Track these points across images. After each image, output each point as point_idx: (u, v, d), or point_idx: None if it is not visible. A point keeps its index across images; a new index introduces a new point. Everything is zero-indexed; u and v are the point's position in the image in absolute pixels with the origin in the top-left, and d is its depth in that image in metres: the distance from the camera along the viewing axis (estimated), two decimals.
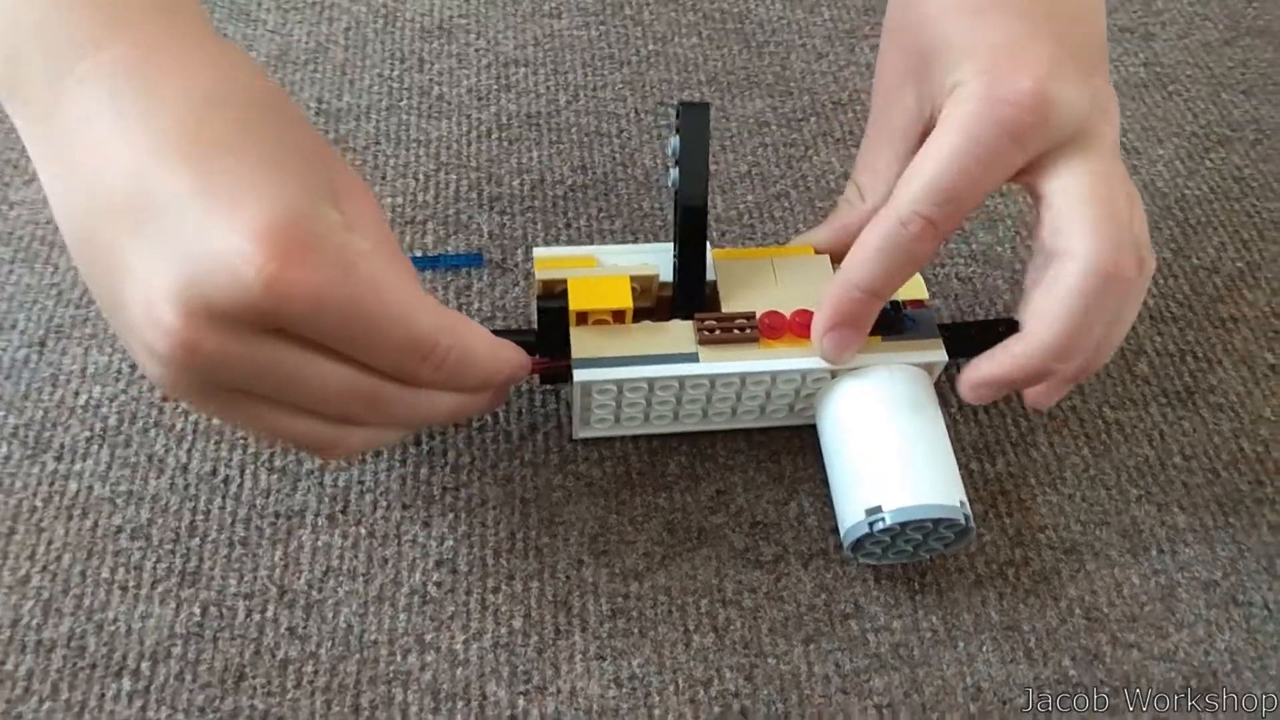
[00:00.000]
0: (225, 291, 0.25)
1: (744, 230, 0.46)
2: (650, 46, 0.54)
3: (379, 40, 0.54)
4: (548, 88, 0.52)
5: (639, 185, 0.48)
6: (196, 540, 0.37)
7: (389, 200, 0.47)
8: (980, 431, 0.40)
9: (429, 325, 0.29)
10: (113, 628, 0.35)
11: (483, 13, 0.56)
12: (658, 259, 0.37)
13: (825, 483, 0.38)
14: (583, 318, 0.36)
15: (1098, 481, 0.39)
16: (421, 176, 0.48)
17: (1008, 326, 0.38)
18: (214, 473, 0.38)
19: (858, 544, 0.35)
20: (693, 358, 0.36)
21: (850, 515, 0.35)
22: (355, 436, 0.31)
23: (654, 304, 0.38)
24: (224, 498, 0.38)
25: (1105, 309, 0.32)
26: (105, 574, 0.36)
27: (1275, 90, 0.54)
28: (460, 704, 0.33)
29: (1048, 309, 0.32)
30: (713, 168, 0.49)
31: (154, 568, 0.36)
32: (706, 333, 0.36)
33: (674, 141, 0.36)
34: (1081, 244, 0.32)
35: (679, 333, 0.36)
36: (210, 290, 0.25)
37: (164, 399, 0.40)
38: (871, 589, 0.36)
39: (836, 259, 0.38)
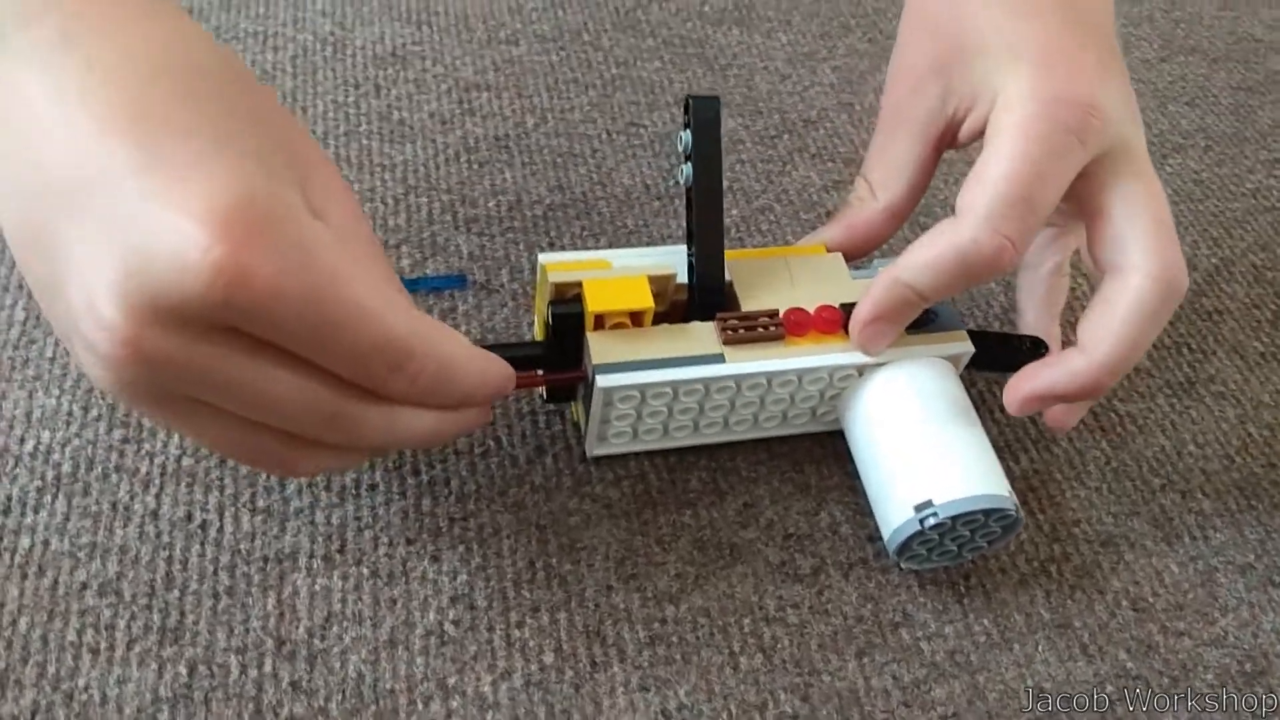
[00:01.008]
0: (170, 282, 0.22)
1: (732, 243, 0.45)
2: (613, 70, 0.53)
3: (329, 68, 0.51)
4: (514, 110, 0.50)
5: (619, 204, 0.46)
6: (175, 593, 0.32)
7: None
8: (1000, 430, 0.39)
9: (403, 329, 0.26)
10: (84, 696, 0.30)
11: (437, 40, 0.54)
12: (670, 261, 0.36)
13: (854, 489, 0.37)
14: (599, 322, 0.34)
15: (1121, 473, 0.38)
16: (390, 200, 0.45)
17: (1033, 344, 0.37)
18: (189, 518, 0.34)
19: (904, 545, 0.33)
20: (718, 358, 0.34)
21: (896, 514, 0.33)
22: (313, 458, 0.28)
23: (668, 308, 0.36)
24: (203, 544, 0.34)
25: (1162, 322, 0.32)
26: (71, 637, 0.31)
27: (1215, 102, 0.56)
28: None
29: (1112, 324, 0.32)
30: None
31: (128, 626, 0.32)
32: (730, 332, 0.34)
33: (684, 136, 0.34)
34: (1145, 258, 0.31)
35: (701, 334, 0.34)
36: (154, 281, 0.22)
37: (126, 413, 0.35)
38: (918, 595, 0.34)
39: (847, 255, 0.37)
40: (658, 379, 0.33)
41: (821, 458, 0.38)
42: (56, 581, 0.32)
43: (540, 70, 0.53)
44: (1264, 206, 0.50)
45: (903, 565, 0.35)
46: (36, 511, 0.34)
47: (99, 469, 0.35)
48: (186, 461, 0.36)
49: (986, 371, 0.39)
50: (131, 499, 0.34)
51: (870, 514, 0.36)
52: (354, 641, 0.32)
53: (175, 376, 0.24)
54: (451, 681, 0.31)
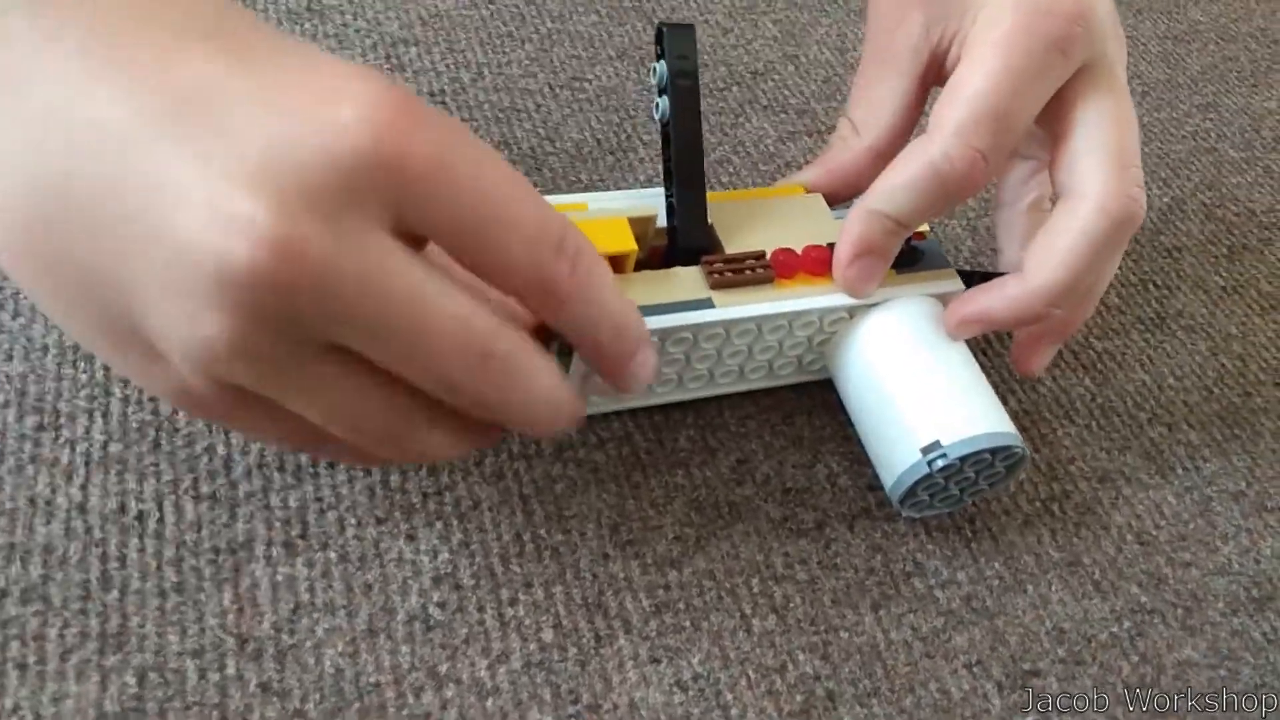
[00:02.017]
0: (325, 155, 0.19)
1: None
2: (549, 24, 0.51)
3: None
4: (447, 66, 0.47)
5: (570, 159, 0.44)
6: (114, 594, 0.28)
7: None
8: (985, 373, 0.38)
9: (554, 213, 0.23)
10: (15, 719, 0.26)
11: None
12: (649, 203, 0.33)
13: (848, 439, 0.35)
14: None
15: (1108, 409, 0.38)
16: None
17: None
18: (122, 509, 0.30)
19: (910, 491, 0.31)
20: (707, 304, 0.31)
21: (901, 459, 0.31)
22: (439, 435, 0.24)
23: (646, 255, 0.33)
24: (141, 538, 0.30)
25: (1112, 253, 0.31)
26: None
27: (1145, 50, 0.56)
28: None
29: (1054, 250, 0.31)
30: (649, 135, 0.45)
31: (60, 635, 0.27)
32: (717, 275, 0.32)
33: (658, 68, 0.32)
34: (1097, 186, 0.30)
35: (686, 279, 0.32)
36: (305, 157, 0.19)
37: (175, 409, 0.30)
38: (925, 543, 0.33)
39: (830, 199, 0.35)
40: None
41: (811, 408, 0.36)
42: None
43: (471, 25, 0.50)
44: (1204, 148, 0.50)
45: (905, 513, 0.33)
46: None
47: (10, 461, 0.31)
48: (114, 448, 0.31)
49: None
50: (53, 492, 0.30)
51: (868, 463, 0.34)
52: (328, 634, 0.28)
53: (334, 293, 0.20)
54: (443, 669, 0.28)
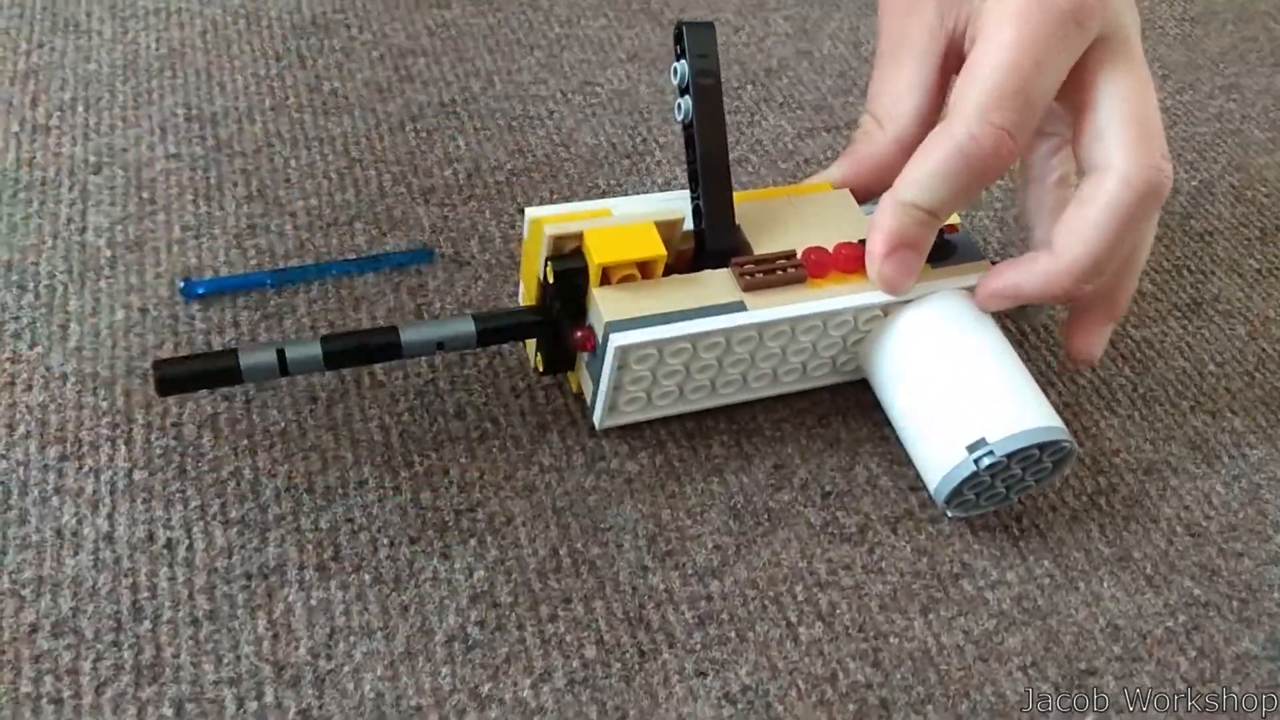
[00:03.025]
0: None
1: None
2: (557, 30, 0.50)
3: (244, 41, 0.47)
4: (456, 75, 0.46)
5: (586, 164, 0.43)
6: (146, 624, 0.28)
7: (300, 204, 0.39)
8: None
9: None
10: None
11: (360, 6, 0.49)
12: (674, 206, 0.32)
13: (886, 440, 0.34)
14: (606, 276, 0.30)
15: (1150, 399, 0.37)
16: (334, 175, 0.41)
17: None
18: (150, 538, 0.29)
19: (956, 491, 0.30)
20: (739, 306, 0.31)
21: (945, 459, 0.30)
22: None
23: (674, 259, 0.33)
24: (171, 566, 0.29)
25: (1140, 226, 0.30)
26: (26, 688, 0.26)
27: (1164, 33, 0.55)
28: None
29: (1083, 227, 0.30)
30: (664, 138, 0.45)
31: (94, 668, 0.27)
32: (749, 277, 0.31)
33: (679, 68, 0.31)
34: (1122, 158, 0.30)
35: (717, 282, 0.31)
36: None
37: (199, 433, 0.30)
38: (972, 544, 0.32)
39: (858, 195, 0.35)
40: (676, 333, 0.30)
41: (846, 409, 0.35)
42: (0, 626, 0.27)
43: (478, 33, 0.49)
44: (1229, 130, 0.49)
45: (950, 513, 0.32)
46: None
47: (34, 493, 0.30)
48: (139, 475, 0.31)
49: None
50: (79, 523, 0.29)
51: (908, 463, 0.34)
52: (366, 657, 0.28)
53: None
54: (485, 689, 0.27)
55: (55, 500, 0.30)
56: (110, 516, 0.30)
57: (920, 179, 0.30)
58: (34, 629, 0.27)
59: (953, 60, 0.33)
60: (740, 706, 0.28)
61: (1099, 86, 0.30)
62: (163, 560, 0.29)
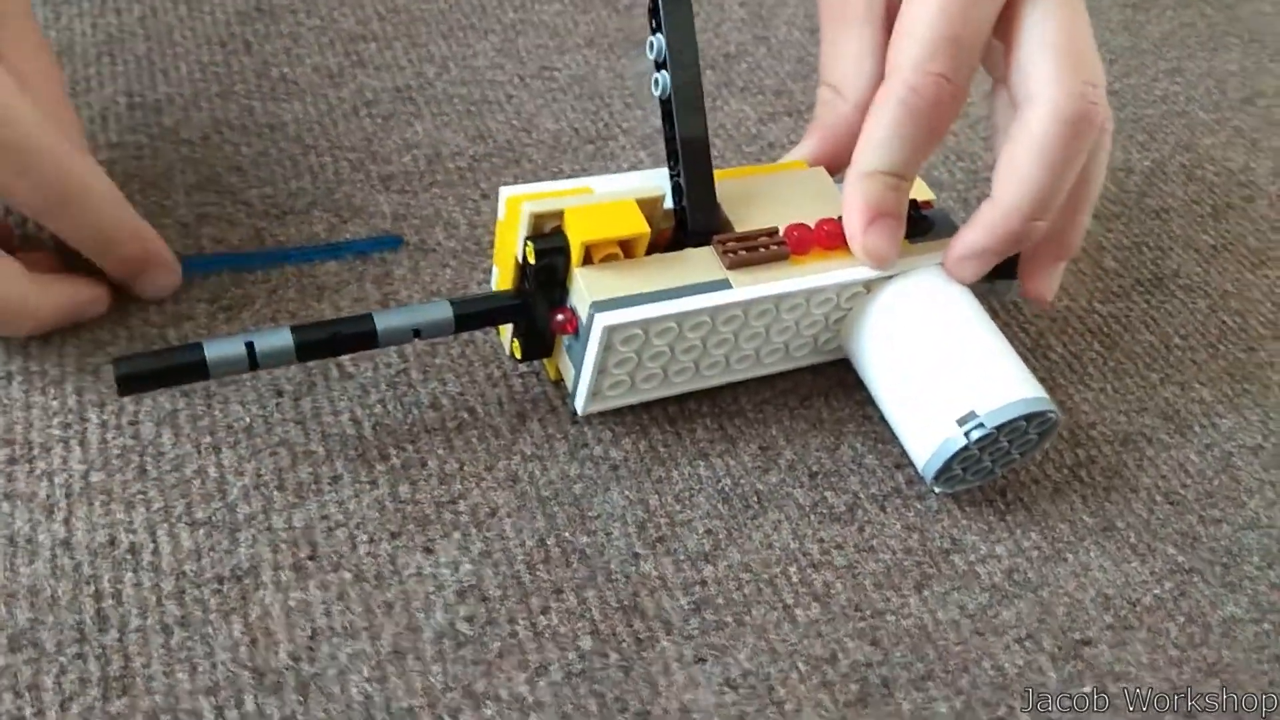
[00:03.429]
0: None
1: None
2: (511, 15, 0.49)
3: (186, 27, 0.45)
4: (410, 60, 0.45)
5: (549, 150, 0.42)
6: (113, 634, 0.26)
7: (254, 191, 0.38)
8: None
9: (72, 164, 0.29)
10: None
11: None
12: (654, 184, 0.32)
13: (869, 418, 0.34)
14: (588, 255, 0.29)
15: (1120, 372, 0.37)
16: (288, 162, 0.39)
17: None
18: (112, 542, 0.28)
19: (945, 466, 0.30)
20: (724, 284, 0.30)
21: (934, 433, 0.30)
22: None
23: (654, 239, 0.32)
24: (136, 571, 0.27)
25: (1075, 155, 0.30)
26: None
27: (1107, 19, 0.57)
28: None
29: (1015, 161, 0.30)
30: (628, 123, 0.44)
31: (57, 683, 0.25)
32: (732, 255, 0.30)
33: (656, 41, 0.31)
34: (1047, 87, 0.30)
35: (700, 260, 0.31)
36: None
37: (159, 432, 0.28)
38: (960, 519, 0.32)
39: (831, 168, 0.34)
40: (662, 312, 0.29)
41: (828, 389, 0.35)
42: None
43: (430, 18, 0.48)
44: (1175, 111, 0.51)
45: (938, 490, 0.32)
46: None
47: None
48: (96, 477, 0.29)
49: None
50: (34, 529, 0.28)
51: (892, 442, 0.33)
52: (351, 659, 0.26)
53: None
54: (479, 687, 0.26)
55: (5, 506, 0.28)
56: (67, 521, 0.28)
57: (876, 145, 0.30)
58: None
59: (894, 19, 0.33)
60: (742, 691, 0.27)
61: (1024, 20, 0.31)
62: (126, 565, 0.27)
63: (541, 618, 0.28)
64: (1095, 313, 0.39)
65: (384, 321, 0.29)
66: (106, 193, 0.30)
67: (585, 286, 0.29)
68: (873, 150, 0.30)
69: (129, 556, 0.27)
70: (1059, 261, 0.34)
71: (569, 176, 0.41)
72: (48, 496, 0.28)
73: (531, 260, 0.29)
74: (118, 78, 0.41)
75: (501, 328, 0.34)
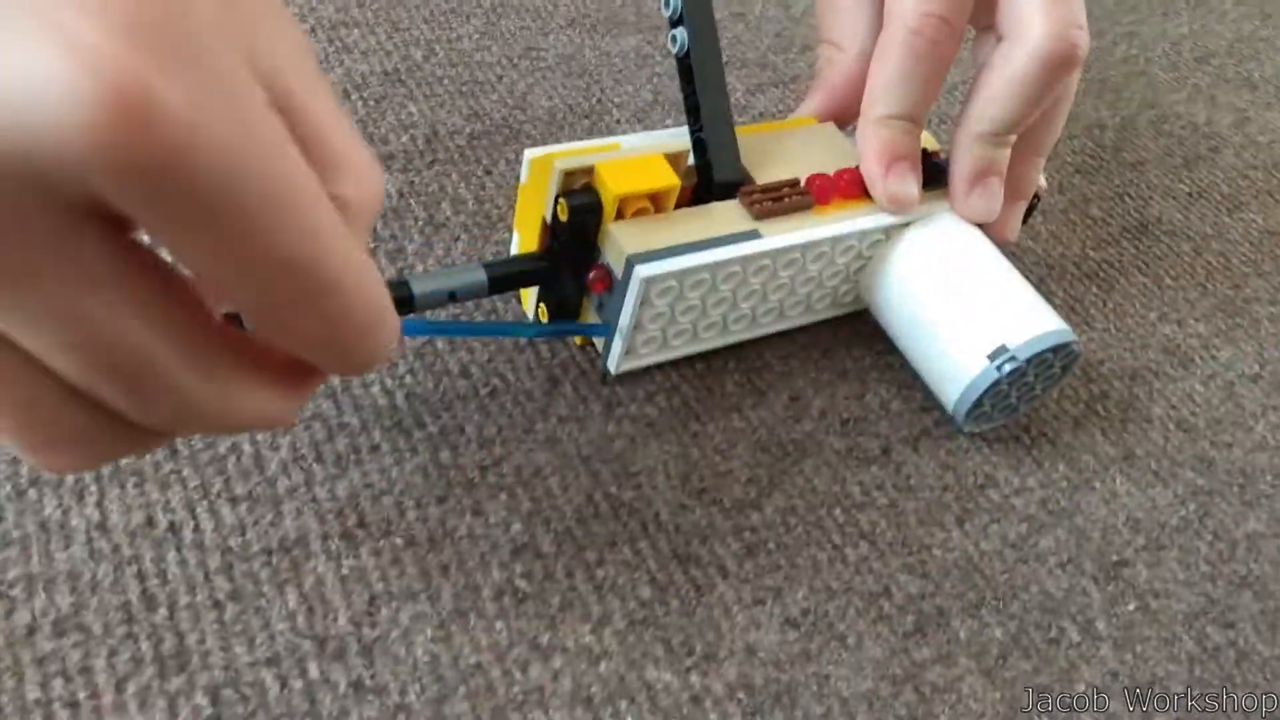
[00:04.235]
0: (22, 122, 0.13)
1: None
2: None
3: None
4: (395, 45, 0.45)
5: (546, 126, 0.42)
6: (162, 613, 0.25)
7: None
8: None
9: (341, 250, 0.16)
10: None
11: None
12: (676, 141, 0.32)
13: (890, 366, 0.35)
14: (620, 210, 0.30)
15: (1120, 312, 0.39)
16: None
17: None
18: (150, 522, 0.27)
19: (977, 402, 0.31)
20: (754, 234, 0.30)
21: (965, 370, 0.31)
22: (88, 441, 0.18)
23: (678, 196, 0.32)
24: (179, 549, 0.26)
25: (1048, 93, 0.32)
26: (34, 693, 0.23)
27: None
28: (624, 704, 0.25)
29: (991, 89, 0.31)
30: (619, 98, 0.44)
31: (110, 664, 0.24)
32: (759, 205, 0.31)
33: None
34: (1033, 25, 0.31)
35: (727, 212, 0.31)
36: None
37: None
38: (990, 456, 0.32)
39: (839, 122, 0.35)
40: (697, 262, 0.29)
41: (847, 340, 0.35)
42: None
43: (409, 3, 0.47)
44: (1136, 72, 0.52)
45: (966, 428, 0.33)
46: None
47: (7, 487, 0.27)
48: (124, 460, 0.28)
49: None
50: (65, 514, 0.27)
51: (915, 387, 0.34)
52: (413, 620, 0.26)
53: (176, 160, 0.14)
54: (545, 639, 0.26)
55: (32, 493, 0.27)
56: (100, 504, 0.27)
57: (884, 90, 0.31)
58: (31, 630, 0.24)
59: None
60: (804, 629, 0.27)
61: None
62: (168, 544, 0.26)
63: (598, 570, 0.28)
64: (1089, 259, 0.41)
65: (420, 285, 0.29)
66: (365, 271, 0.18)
67: (621, 239, 0.29)
68: (883, 96, 0.31)
69: (169, 535, 0.27)
70: (1016, 202, 0.35)
71: None
72: (75, 481, 0.27)
73: (563, 217, 0.29)
74: None
75: (525, 295, 0.34)
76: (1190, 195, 0.45)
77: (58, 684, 0.24)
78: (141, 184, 0.14)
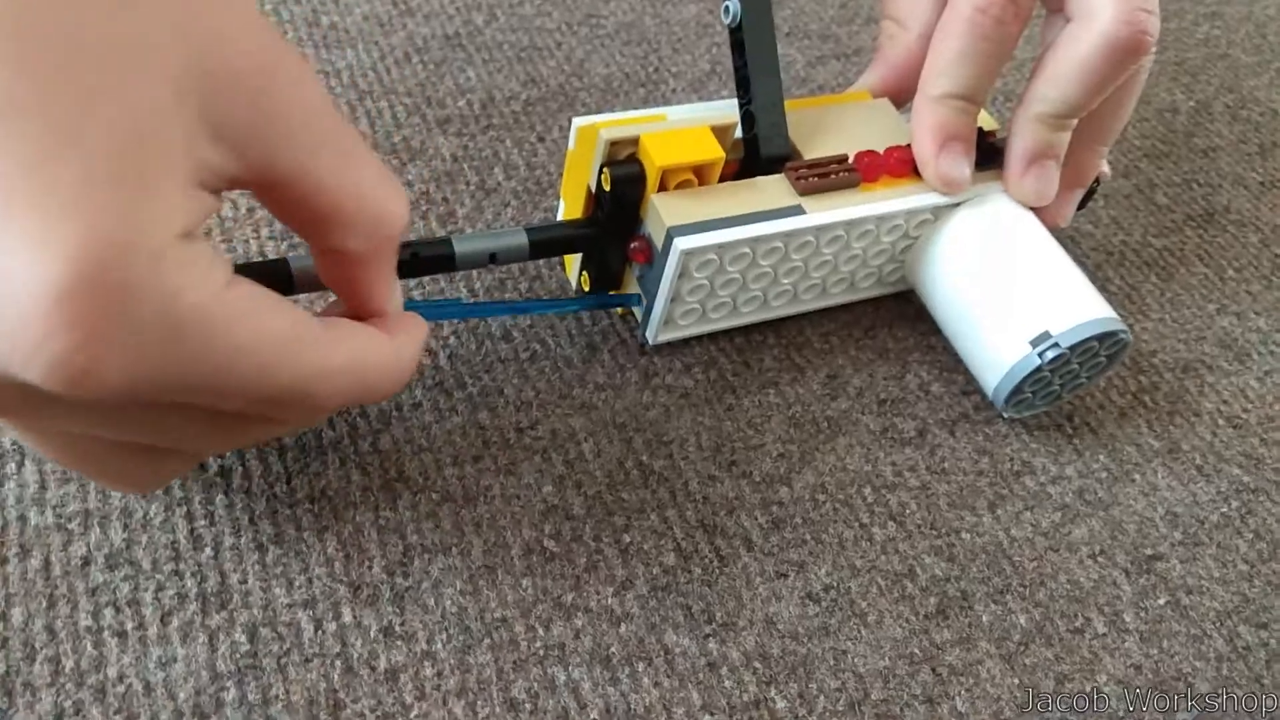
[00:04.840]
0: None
1: None
2: None
3: None
4: (457, 9, 0.45)
5: (601, 94, 0.42)
6: (208, 552, 0.26)
7: None
8: None
9: (305, 372, 0.20)
10: (121, 688, 0.24)
11: None
12: (724, 113, 0.32)
13: (932, 348, 0.34)
14: (663, 182, 0.30)
15: (1177, 302, 0.38)
16: (345, 108, 0.39)
17: None
18: (201, 466, 0.28)
19: (1017, 388, 0.31)
20: (797, 210, 0.30)
21: (1007, 355, 0.31)
22: (168, 468, 0.24)
23: (724, 170, 0.32)
24: (227, 493, 0.28)
25: (1114, 80, 0.31)
26: (85, 621, 0.25)
27: None
28: (642, 665, 0.26)
29: (1056, 72, 0.31)
30: (677, 67, 0.44)
31: (156, 598, 0.25)
32: (804, 181, 0.31)
33: None
34: (1103, 10, 0.30)
35: (772, 187, 0.31)
36: None
37: None
38: (1029, 443, 0.32)
39: (896, 99, 0.35)
40: (737, 237, 0.29)
41: (890, 320, 0.35)
42: (48, 561, 0.26)
43: None
44: (1217, 54, 0.51)
45: (1006, 414, 0.32)
46: (1, 485, 0.27)
47: None
48: None
49: None
50: None
51: (957, 370, 0.34)
52: (444, 573, 0.27)
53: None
54: (569, 599, 0.27)
55: None
56: None
57: (944, 68, 0.31)
58: (86, 562, 0.26)
59: None
60: (824, 604, 0.28)
61: None
62: (218, 488, 0.28)
63: (625, 535, 0.28)
64: (1150, 246, 0.40)
65: (462, 245, 0.29)
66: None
67: (662, 211, 0.29)
68: (941, 73, 0.31)
69: (219, 479, 0.28)
70: (1073, 189, 0.34)
71: None
72: None
73: (607, 187, 0.29)
74: None
75: (568, 261, 0.34)
76: (1263, 184, 0.43)
77: (108, 613, 0.25)
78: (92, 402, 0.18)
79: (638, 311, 0.32)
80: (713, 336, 0.34)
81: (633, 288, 0.32)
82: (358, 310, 0.24)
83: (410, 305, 0.27)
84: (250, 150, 0.19)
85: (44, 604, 0.25)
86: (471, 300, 0.33)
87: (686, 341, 0.33)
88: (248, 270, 0.26)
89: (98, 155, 0.16)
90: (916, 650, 0.27)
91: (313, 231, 0.22)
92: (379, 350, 0.22)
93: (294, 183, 0.20)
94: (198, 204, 0.18)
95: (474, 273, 0.34)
